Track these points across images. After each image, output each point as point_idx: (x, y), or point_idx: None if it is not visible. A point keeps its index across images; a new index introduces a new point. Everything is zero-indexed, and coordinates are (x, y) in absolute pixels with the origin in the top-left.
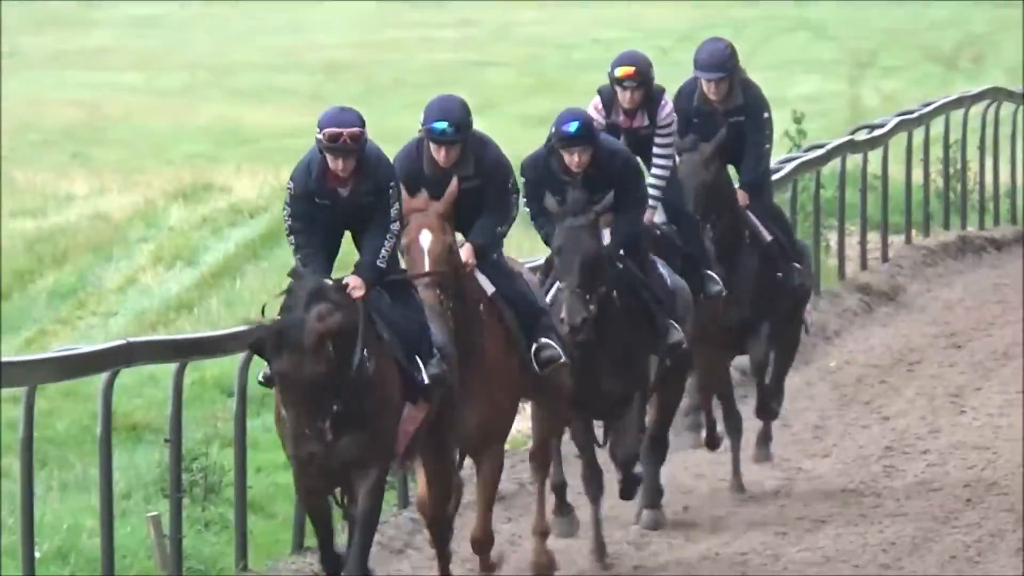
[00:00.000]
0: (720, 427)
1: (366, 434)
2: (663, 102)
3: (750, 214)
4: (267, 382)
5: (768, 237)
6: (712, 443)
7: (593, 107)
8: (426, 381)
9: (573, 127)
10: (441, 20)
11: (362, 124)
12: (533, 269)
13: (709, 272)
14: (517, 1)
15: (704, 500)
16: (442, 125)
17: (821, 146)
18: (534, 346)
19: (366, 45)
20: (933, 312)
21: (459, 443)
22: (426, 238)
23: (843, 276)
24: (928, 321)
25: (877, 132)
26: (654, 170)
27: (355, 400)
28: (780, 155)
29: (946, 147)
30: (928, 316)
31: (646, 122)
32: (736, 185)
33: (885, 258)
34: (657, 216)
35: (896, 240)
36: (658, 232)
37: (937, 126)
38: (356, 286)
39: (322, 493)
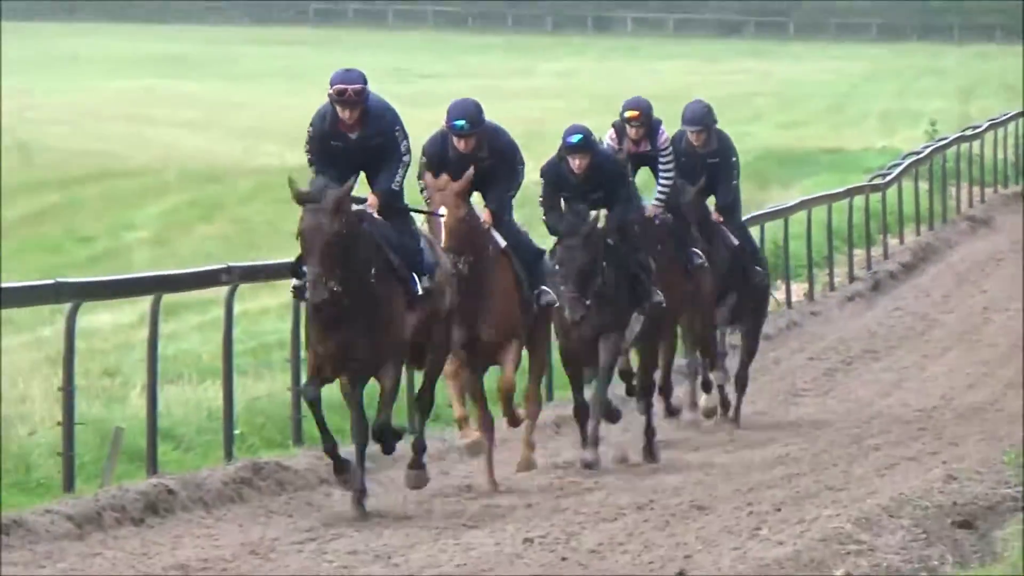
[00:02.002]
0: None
1: (380, 336)
2: (661, 131)
3: (723, 228)
4: (296, 291)
5: (735, 242)
6: (706, 387)
7: (608, 137)
8: (420, 292)
9: (576, 139)
10: None
11: (364, 81)
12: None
13: (694, 249)
14: None
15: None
16: (461, 123)
17: (945, 138)
18: (536, 291)
19: None
20: None
21: (482, 352)
22: (443, 212)
23: None
24: None
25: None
26: (660, 181)
27: (369, 310)
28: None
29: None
30: None
31: (649, 147)
32: (712, 208)
33: None
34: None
35: None
36: (657, 222)
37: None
38: (372, 203)
39: (336, 369)
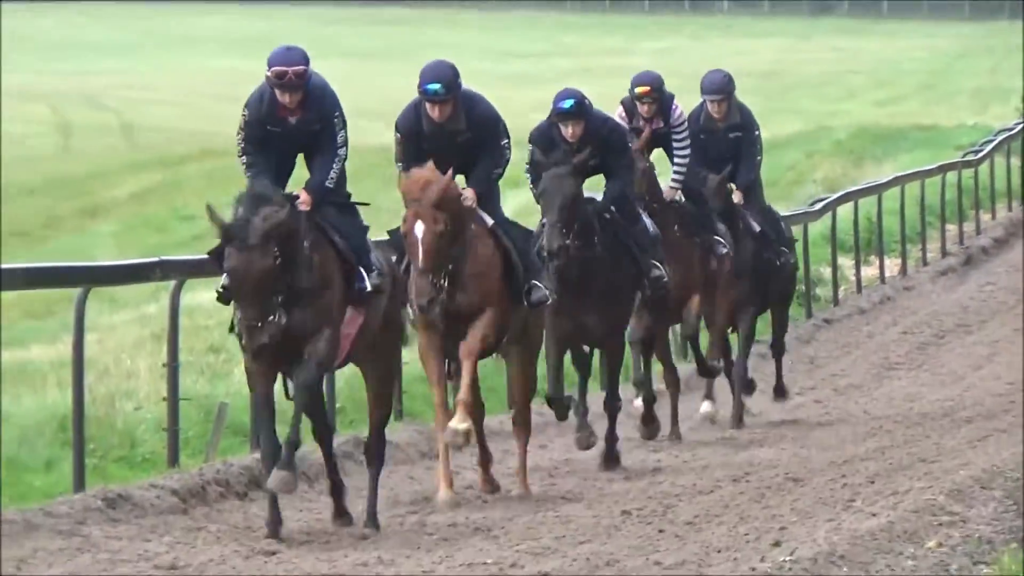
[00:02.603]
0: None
1: (311, 311)
2: (675, 107)
3: (746, 213)
4: (222, 293)
5: (757, 228)
6: (722, 372)
7: (617, 115)
8: (368, 288)
9: (567, 104)
10: None
11: (306, 62)
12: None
13: (717, 236)
14: None
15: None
16: (435, 86)
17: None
18: (527, 286)
19: None
20: None
21: (456, 323)
22: (419, 228)
23: None
24: None
25: None
26: (676, 161)
27: (299, 285)
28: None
29: None
30: None
31: (662, 124)
32: (733, 186)
33: None
34: (679, 195)
35: None
36: (680, 208)
37: None
38: (304, 201)
39: (270, 379)
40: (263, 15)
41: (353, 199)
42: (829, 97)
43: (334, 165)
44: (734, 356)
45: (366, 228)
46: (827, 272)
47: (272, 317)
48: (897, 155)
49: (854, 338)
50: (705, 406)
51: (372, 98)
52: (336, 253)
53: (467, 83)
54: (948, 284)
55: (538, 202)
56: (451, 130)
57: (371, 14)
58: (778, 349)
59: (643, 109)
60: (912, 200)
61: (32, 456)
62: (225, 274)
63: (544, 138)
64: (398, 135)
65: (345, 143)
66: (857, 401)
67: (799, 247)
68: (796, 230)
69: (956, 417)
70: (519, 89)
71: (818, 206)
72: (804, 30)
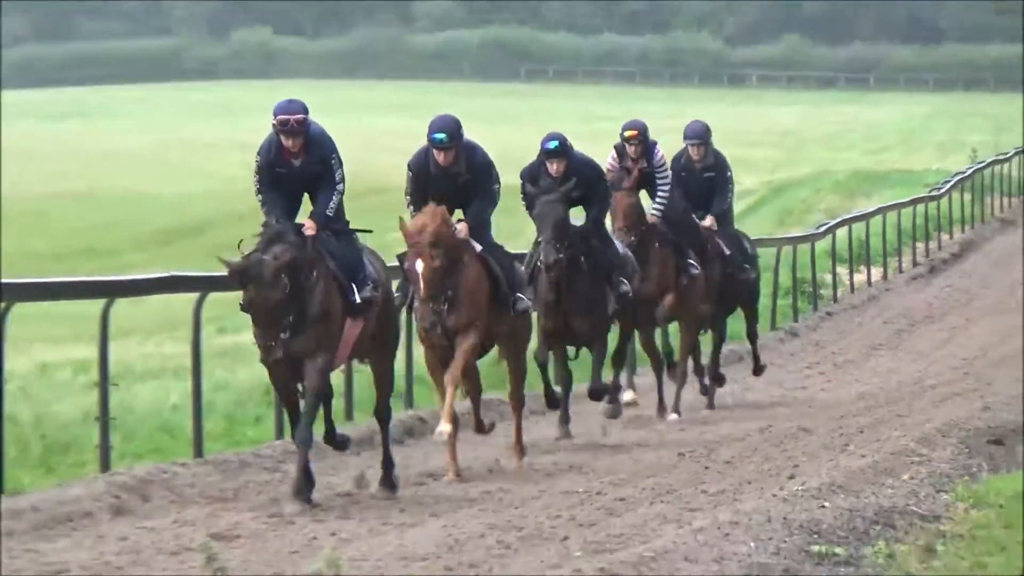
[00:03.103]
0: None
1: (313, 333)
2: (656, 150)
3: (716, 238)
4: (242, 308)
5: (727, 252)
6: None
7: (611, 157)
8: (358, 300)
9: (552, 144)
10: None
11: (306, 111)
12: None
13: (690, 260)
14: None
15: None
16: (441, 136)
17: (983, 161)
18: (512, 298)
19: None
20: None
21: (450, 339)
22: (419, 265)
23: None
24: None
25: None
26: (658, 193)
27: (306, 310)
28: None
29: None
30: None
31: (646, 164)
32: (709, 216)
33: None
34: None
35: None
36: (660, 230)
37: None
38: (309, 227)
39: (289, 384)
40: (418, 90)
41: (356, 226)
42: (832, 148)
43: (334, 197)
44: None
45: (360, 250)
46: (829, 277)
47: (284, 334)
48: (881, 191)
49: (848, 326)
50: (628, 395)
51: (493, 148)
52: (332, 276)
53: (569, 140)
54: (918, 286)
55: (535, 223)
56: (453, 173)
57: (494, 88)
58: (752, 336)
59: (630, 150)
60: (891, 225)
61: (244, 413)
62: (242, 306)
63: (534, 173)
64: (409, 173)
65: (343, 179)
66: (851, 373)
67: (807, 259)
68: (804, 247)
69: (924, 384)
70: (601, 144)
71: (822, 229)
72: (814, 100)
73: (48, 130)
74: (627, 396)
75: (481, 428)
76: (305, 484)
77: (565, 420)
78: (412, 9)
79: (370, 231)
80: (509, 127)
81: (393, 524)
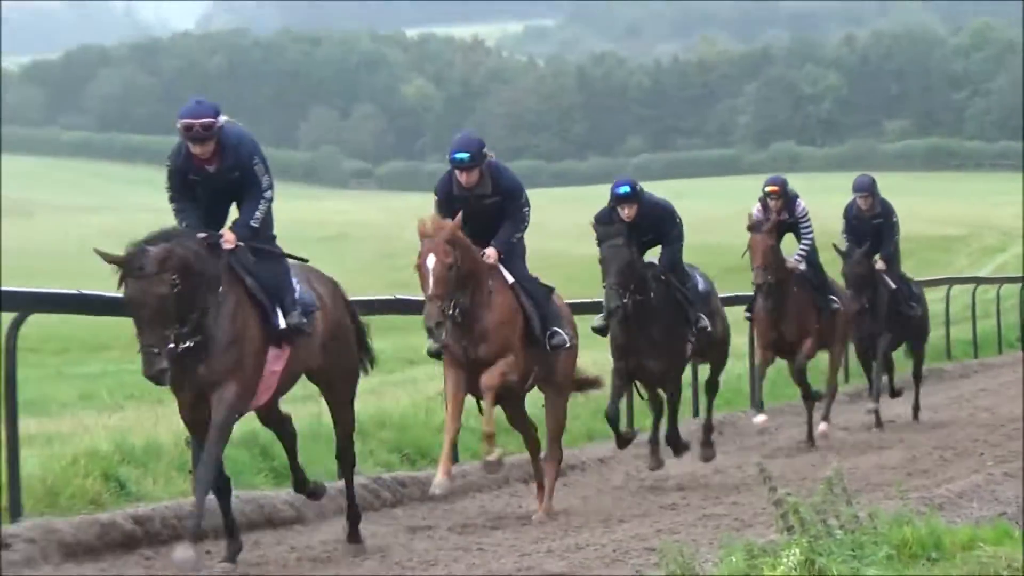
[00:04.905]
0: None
1: (222, 359)
2: (798, 203)
3: (885, 275)
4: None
5: (893, 286)
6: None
7: (756, 210)
8: (282, 326)
9: (623, 190)
10: None
11: (215, 115)
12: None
13: (831, 296)
14: None
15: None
16: (461, 155)
17: None
18: (548, 332)
19: None
20: None
21: (476, 369)
22: (431, 261)
23: None
24: None
25: None
26: (802, 241)
27: (214, 333)
28: None
29: None
30: None
31: (788, 216)
32: (878, 258)
33: None
34: (802, 265)
35: None
36: (799, 274)
37: None
38: (229, 239)
39: (193, 408)
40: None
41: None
42: None
43: (259, 206)
44: (838, 384)
45: (287, 270)
46: None
47: (173, 344)
48: None
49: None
50: (760, 418)
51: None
52: (249, 296)
53: (640, 185)
54: None
55: (600, 267)
56: (478, 194)
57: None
58: (916, 376)
59: (773, 204)
60: None
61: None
62: (126, 305)
63: (605, 219)
64: (436, 198)
65: (270, 186)
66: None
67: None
68: None
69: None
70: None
71: None
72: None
73: None
74: (759, 419)
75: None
76: (196, 528)
77: (655, 450)
78: (882, 124)
79: (306, 260)
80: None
81: None
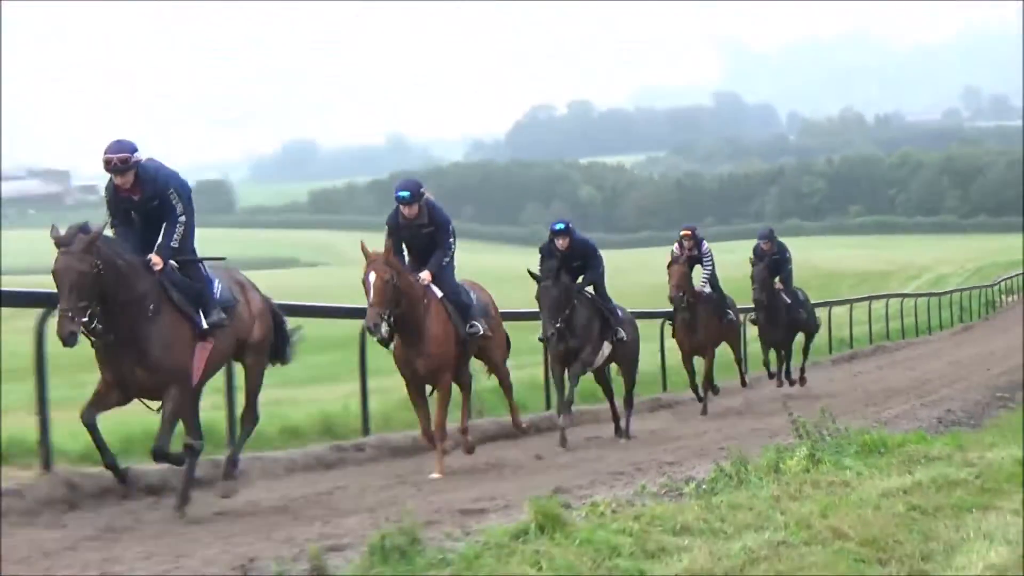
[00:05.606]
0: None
1: (162, 367)
2: (703, 244)
3: (782, 293)
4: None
5: (789, 300)
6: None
7: (676, 246)
8: (204, 325)
9: (558, 226)
10: None
11: (132, 151)
12: None
13: (728, 311)
14: None
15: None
16: (404, 193)
17: None
18: (467, 324)
19: None
20: None
21: (421, 380)
22: (372, 276)
23: None
24: None
25: None
26: (704, 271)
27: (147, 348)
28: None
29: None
30: None
31: (697, 253)
32: (776, 280)
33: None
34: (707, 288)
35: None
36: (704, 296)
37: None
38: (156, 261)
39: (106, 394)
40: None
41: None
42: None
43: (176, 229)
44: (745, 376)
45: (207, 277)
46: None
47: (84, 318)
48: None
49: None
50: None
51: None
52: (175, 307)
53: (572, 223)
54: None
55: (536, 301)
56: (417, 224)
57: None
58: (804, 353)
59: (687, 244)
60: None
61: None
62: (53, 275)
63: (547, 248)
64: (387, 227)
65: (184, 212)
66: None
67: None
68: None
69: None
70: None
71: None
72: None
73: None
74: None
75: (519, 425)
76: (187, 490)
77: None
78: (848, 209)
79: (223, 259)
80: None
81: None
